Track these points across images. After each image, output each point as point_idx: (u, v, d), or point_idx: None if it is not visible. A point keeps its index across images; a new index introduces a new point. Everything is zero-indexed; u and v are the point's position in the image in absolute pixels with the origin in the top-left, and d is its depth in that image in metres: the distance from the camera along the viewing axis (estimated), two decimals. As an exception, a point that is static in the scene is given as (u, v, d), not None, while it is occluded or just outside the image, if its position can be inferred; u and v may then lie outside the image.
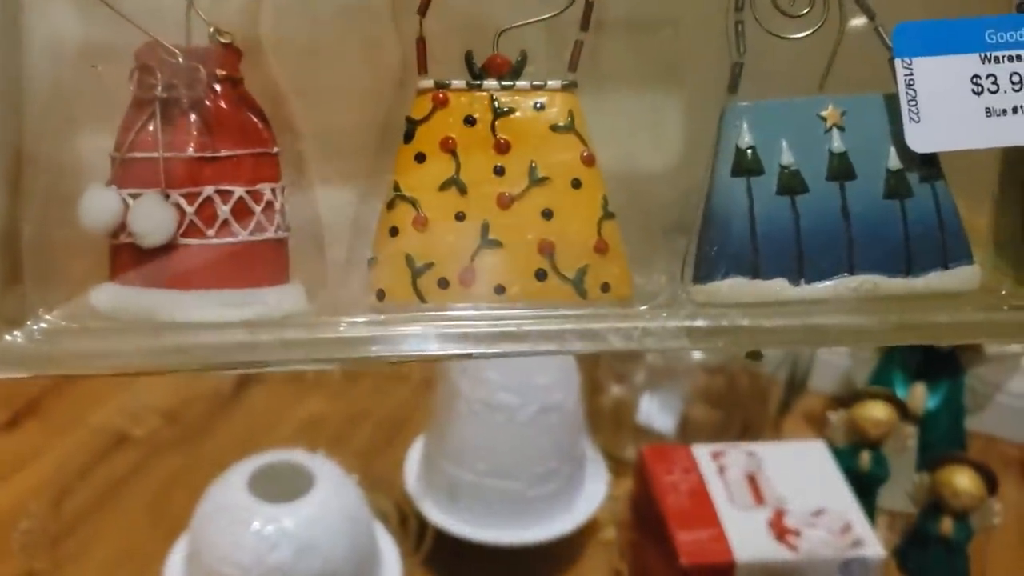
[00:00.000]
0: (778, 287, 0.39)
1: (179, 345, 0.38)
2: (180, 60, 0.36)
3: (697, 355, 0.93)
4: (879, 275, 0.40)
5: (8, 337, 0.38)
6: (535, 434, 0.79)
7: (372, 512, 0.75)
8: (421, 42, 0.38)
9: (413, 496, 0.82)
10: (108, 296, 0.38)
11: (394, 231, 0.38)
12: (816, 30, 0.39)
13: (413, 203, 0.38)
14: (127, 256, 0.37)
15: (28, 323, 0.39)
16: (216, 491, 0.71)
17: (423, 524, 0.81)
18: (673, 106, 0.42)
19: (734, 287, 0.39)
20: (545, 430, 0.79)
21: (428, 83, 0.39)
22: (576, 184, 0.39)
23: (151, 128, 0.37)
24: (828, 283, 0.39)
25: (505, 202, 0.38)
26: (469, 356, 0.39)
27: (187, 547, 0.72)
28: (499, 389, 0.77)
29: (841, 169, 0.39)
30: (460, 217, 0.38)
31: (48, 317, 0.39)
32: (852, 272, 0.39)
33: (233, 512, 0.68)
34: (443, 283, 0.38)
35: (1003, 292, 0.42)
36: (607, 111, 0.41)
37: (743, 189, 0.39)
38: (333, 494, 0.71)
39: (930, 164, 0.40)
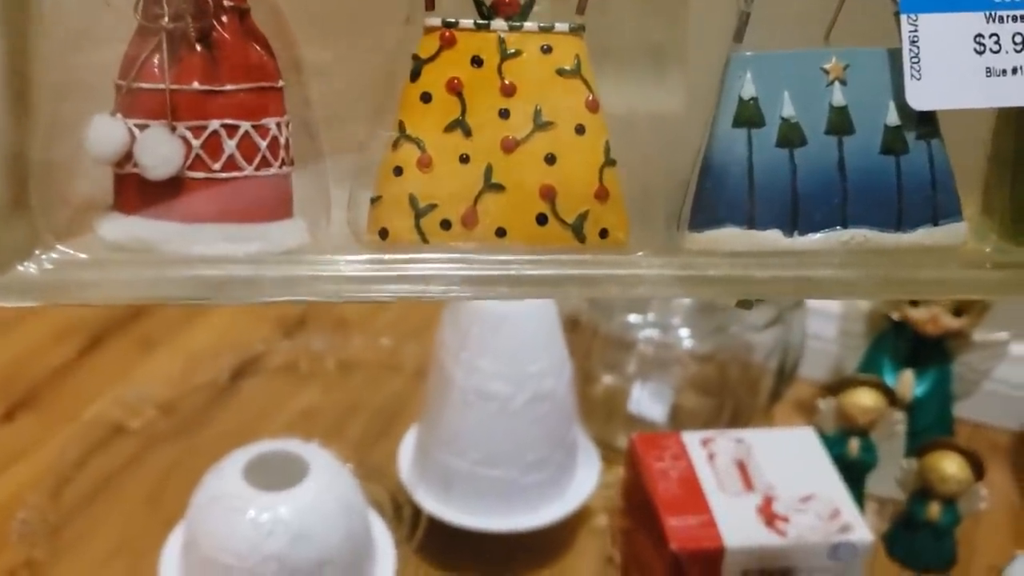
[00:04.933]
0: (772, 238, 0.39)
1: (185, 278, 0.38)
2: None
3: (688, 344, 0.94)
4: (870, 229, 0.40)
5: (20, 267, 0.38)
6: (528, 422, 0.79)
7: (367, 501, 0.76)
8: None
9: (407, 485, 0.83)
10: (113, 226, 0.38)
11: (398, 171, 0.38)
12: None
13: (418, 144, 0.38)
14: (132, 186, 0.37)
15: (37, 252, 0.39)
16: (212, 480, 0.71)
17: (417, 512, 0.81)
18: (676, 53, 0.42)
19: (729, 236, 0.39)
20: (537, 418, 0.80)
21: (435, 21, 0.38)
22: (580, 130, 0.39)
23: (157, 59, 0.37)
24: (820, 235, 0.40)
25: (509, 146, 0.38)
26: (467, 298, 0.39)
27: (183, 536, 0.73)
28: (492, 378, 0.78)
29: (840, 123, 0.39)
30: (464, 159, 0.38)
31: (58, 247, 0.39)
32: (844, 225, 0.40)
33: (229, 501, 0.69)
34: (446, 224, 0.38)
35: (987, 250, 0.42)
36: (611, 56, 0.41)
37: (743, 140, 0.39)
38: (328, 483, 0.71)
39: (928, 121, 0.40)
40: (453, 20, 0.38)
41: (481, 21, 0.39)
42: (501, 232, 0.39)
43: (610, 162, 0.39)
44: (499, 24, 0.39)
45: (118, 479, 0.88)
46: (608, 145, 0.39)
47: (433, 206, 0.38)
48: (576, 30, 0.39)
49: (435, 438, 0.82)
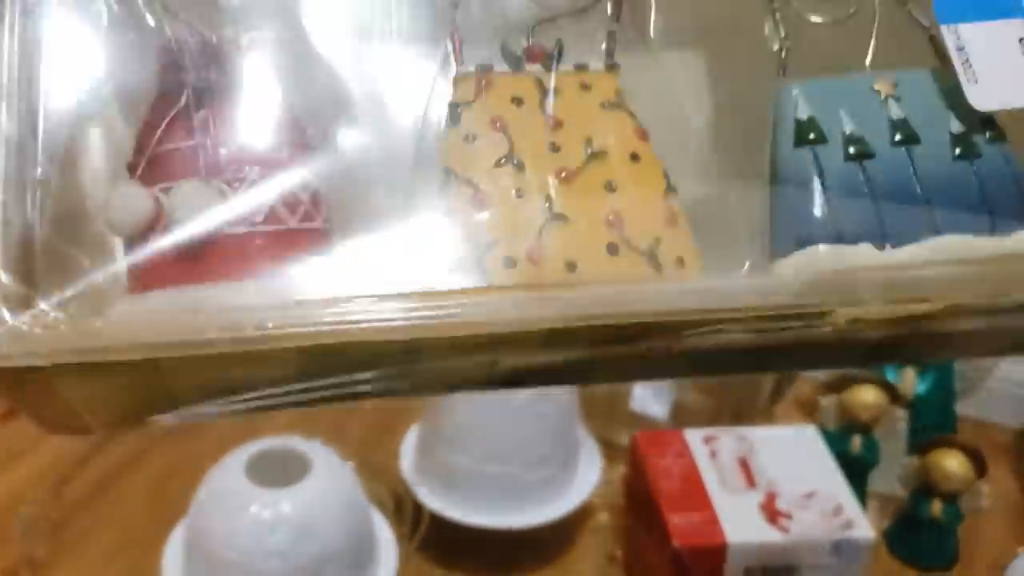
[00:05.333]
0: (864, 252, 0.37)
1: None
2: (214, 40, 0.34)
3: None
4: (965, 235, 0.38)
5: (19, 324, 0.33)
6: (530, 420, 0.79)
7: (369, 498, 0.76)
8: (455, 32, 0.37)
9: (409, 482, 0.83)
10: (137, 307, 0.33)
11: (450, 214, 0.36)
12: (850, 15, 0.39)
13: (469, 182, 0.36)
14: (158, 260, 0.33)
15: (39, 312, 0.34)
16: (214, 477, 0.72)
17: (419, 509, 0.81)
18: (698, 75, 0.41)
19: (818, 254, 0.37)
20: (540, 416, 0.80)
21: (469, 69, 0.37)
22: (634, 158, 0.37)
23: (183, 117, 0.34)
24: (914, 246, 0.38)
25: (565, 176, 0.36)
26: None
27: (186, 532, 0.73)
28: (494, 375, 0.78)
29: (905, 135, 0.39)
30: (520, 194, 0.36)
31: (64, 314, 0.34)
32: (937, 232, 0.38)
33: (231, 497, 0.69)
34: (509, 262, 0.35)
35: None
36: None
37: (810, 159, 0.38)
38: (330, 479, 0.71)
39: (992, 127, 0.40)
40: (488, 65, 0.37)
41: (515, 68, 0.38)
42: (571, 266, 0.35)
43: (671, 188, 0.38)
44: (534, 68, 0.38)
45: (120, 476, 0.88)
46: (666, 172, 0.38)
47: (494, 243, 0.35)
48: (611, 68, 0.39)
49: (437, 435, 0.82)
